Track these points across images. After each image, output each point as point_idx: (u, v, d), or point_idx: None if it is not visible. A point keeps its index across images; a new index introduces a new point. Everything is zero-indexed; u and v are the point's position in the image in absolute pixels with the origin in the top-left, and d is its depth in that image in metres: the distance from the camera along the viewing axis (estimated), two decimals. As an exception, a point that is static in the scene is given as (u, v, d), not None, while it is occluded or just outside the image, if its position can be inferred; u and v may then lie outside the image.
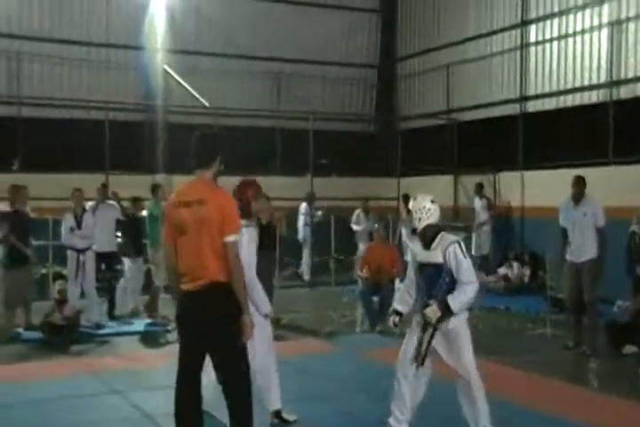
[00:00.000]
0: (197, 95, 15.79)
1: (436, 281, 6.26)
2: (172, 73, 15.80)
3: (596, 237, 10.07)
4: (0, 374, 8.95)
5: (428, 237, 6.39)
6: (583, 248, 10.15)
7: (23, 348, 10.44)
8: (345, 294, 14.03)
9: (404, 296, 6.73)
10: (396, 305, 6.82)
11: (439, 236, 6.35)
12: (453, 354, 6.38)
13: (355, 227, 16.71)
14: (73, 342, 10.54)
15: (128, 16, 18.03)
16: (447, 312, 6.16)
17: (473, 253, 15.88)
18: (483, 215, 16.48)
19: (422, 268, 6.45)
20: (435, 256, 6.29)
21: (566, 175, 10.77)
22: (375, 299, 11.47)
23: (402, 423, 6.41)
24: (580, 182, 10.07)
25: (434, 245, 6.33)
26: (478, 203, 16.67)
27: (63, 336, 10.61)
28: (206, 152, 5.82)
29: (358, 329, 11.56)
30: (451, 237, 6.40)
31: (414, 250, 6.58)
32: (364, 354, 9.94)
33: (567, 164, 14.07)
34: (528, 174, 16.31)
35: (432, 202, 6.55)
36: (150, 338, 11.04)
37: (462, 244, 6.36)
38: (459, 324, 6.38)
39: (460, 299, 6.16)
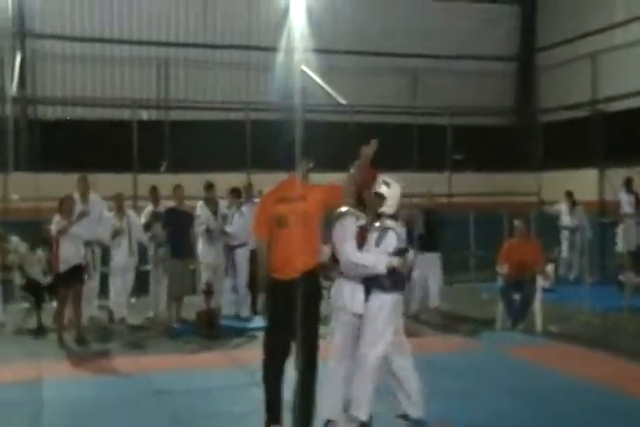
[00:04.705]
0: (334, 93, 16.15)
1: None
2: (310, 72, 16.24)
3: None
4: (159, 364, 9.46)
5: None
6: None
7: (179, 340, 10.91)
8: (484, 291, 13.98)
9: None
10: None
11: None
12: None
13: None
14: (223, 336, 11.04)
15: (268, 19, 18.68)
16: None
17: (620, 248, 15.81)
18: (628, 210, 15.94)
19: None
20: None
21: None
22: (516, 296, 11.47)
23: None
24: None
25: None
26: (625, 198, 16.12)
27: (214, 330, 11.22)
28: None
29: (499, 327, 11.59)
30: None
31: None
32: (507, 352, 10.01)
33: None
34: None
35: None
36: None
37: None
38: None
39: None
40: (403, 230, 6.72)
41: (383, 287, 6.45)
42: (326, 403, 6.46)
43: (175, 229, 11.56)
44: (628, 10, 18.28)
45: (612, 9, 18.88)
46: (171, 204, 11.99)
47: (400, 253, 6.53)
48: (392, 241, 6.52)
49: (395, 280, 6.52)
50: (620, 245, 15.76)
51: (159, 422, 7.10)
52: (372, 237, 6.50)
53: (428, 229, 12.15)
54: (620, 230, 15.96)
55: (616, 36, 18.75)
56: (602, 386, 8.15)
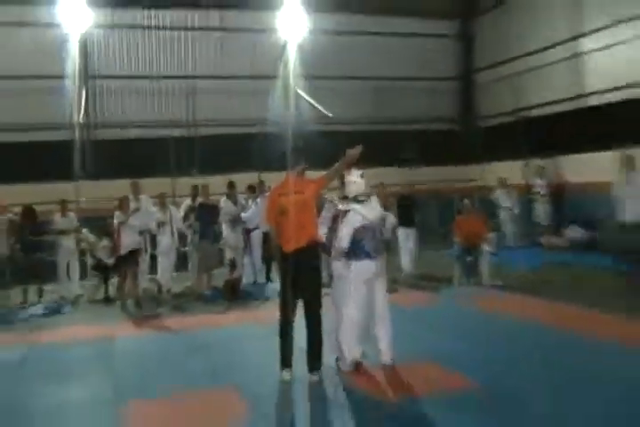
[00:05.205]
0: (323, 109, 16.15)
1: None
2: (303, 94, 16.23)
3: None
4: (197, 322, 9.49)
5: None
6: None
7: (210, 303, 10.92)
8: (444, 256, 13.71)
9: None
10: None
11: None
12: None
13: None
14: (244, 300, 11.07)
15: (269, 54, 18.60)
16: None
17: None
18: (542, 192, 16.35)
19: None
20: None
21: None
22: (468, 259, 11.51)
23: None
24: None
25: None
26: (539, 182, 16.51)
27: (237, 295, 11.26)
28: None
29: (456, 283, 11.55)
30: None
31: None
32: (463, 302, 9.99)
33: None
34: (588, 157, 15.59)
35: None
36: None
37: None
38: None
39: None
40: (367, 210, 6.61)
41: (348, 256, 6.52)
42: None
43: (204, 218, 11.62)
44: (548, 38, 18.15)
45: (536, 36, 18.67)
46: (200, 200, 12.05)
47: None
48: (352, 219, 6.51)
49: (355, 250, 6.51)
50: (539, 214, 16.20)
51: (202, 367, 7.13)
52: (341, 217, 6.61)
53: (405, 210, 12.18)
54: (536, 204, 16.32)
55: (538, 59, 18.53)
56: (540, 324, 8.21)
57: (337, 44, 19.02)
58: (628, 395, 5.51)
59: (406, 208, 12.36)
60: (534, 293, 10.33)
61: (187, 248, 12.79)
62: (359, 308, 6.48)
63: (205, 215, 11.64)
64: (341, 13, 19.30)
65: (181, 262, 12.64)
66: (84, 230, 12.39)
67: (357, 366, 6.51)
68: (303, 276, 6.34)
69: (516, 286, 11.03)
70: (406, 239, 12.45)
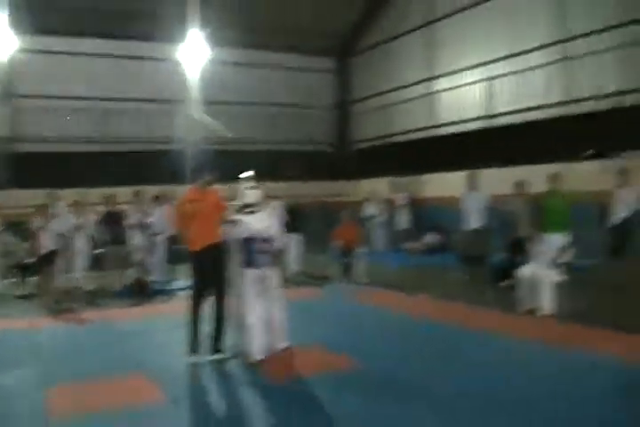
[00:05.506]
0: (223, 130, 16.09)
1: None
2: (204, 117, 16.14)
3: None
4: (110, 315, 9.30)
5: None
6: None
7: (122, 299, 10.72)
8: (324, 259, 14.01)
9: None
10: None
11: None
12: None
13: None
14: (152, 295, 10.93)
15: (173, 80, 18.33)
16: None
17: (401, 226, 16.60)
18: (402, 203, 16.84)
19: None
20: None
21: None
22: (346, 260, 11.76)
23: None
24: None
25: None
26: (400, 196, 16.98)
27: (146, 291, 11.09)
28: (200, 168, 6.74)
29: (336, 280, 11.68)
30: None
31: None
32: (342, 296, 10.23)
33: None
34: (440, 176, 16.51)
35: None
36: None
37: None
38: None
39: None
40: (256, 220, 6.34)
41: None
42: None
43: (112, 224, 11.48)
44: (413, 75, 18.88)
45: (401, 75, 19.44)
46: (108, 208, 11.88)
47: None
48: (241, 229, 6.30)
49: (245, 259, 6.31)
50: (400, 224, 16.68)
51: (118, 353, 7.03)
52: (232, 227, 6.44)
53: (293, 219, 12.36)
54: (398, 215, 16.77)
55: (404, 93, 19.26)
56: (408, 314, 8.57)
57: (235, 74, 19.07)
58: (477, 372, 5.87)
59: (293, 217, 12.55)
60: (398, 288, 10.78)
61: (99, 250, 12.44)
62: (255, 310, 6.29)
63: (113, 221, 11.51)
64: (240, 48, 19.35)
65: (95, 263, 12.30)
66: (4, 234, 11.88)
67: (260, 358, 6.34)
68: (208, 271, 6.44)
69: (384, 282, 11.40)
70: (293, 243, 12.64)
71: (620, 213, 9.30)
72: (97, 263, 12.23)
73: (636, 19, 12.44)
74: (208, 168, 6.73)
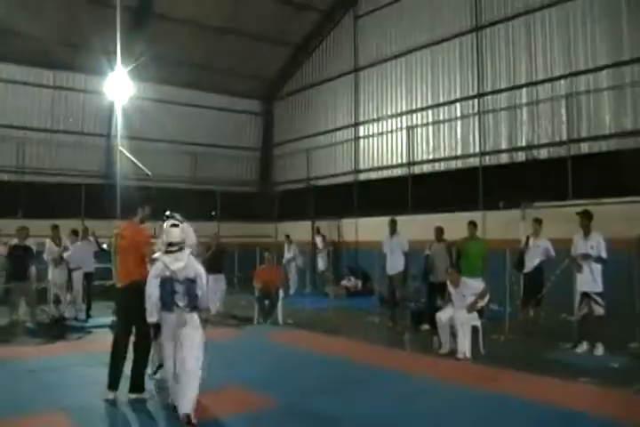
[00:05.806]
0: (144, 167, 16.02)
1: None
2: (126, 152, 16.04)
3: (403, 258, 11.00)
4: (24, 353, 8.89)
5: None
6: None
7: (35, 336, 10.19)
8: (245, 299, 13.83)
9: None
10: None
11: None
12: None
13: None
14: (67, 332, 10.50)
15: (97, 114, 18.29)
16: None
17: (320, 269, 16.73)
18: (320, 246, 17.22)
19: None
20: None
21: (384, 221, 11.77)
22: (266, 302, 11.72)
23: None
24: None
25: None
26: (318, 239, 17.45)
27: (62, 328, 10.69)
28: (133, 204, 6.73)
29: (255, 322, 11.65)
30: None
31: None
32: (262, 337, 10.19)
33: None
34: (361, 220, 17.20)
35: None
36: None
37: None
38: None
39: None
40: (172, 260, 5.84)
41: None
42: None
43: (17, 258, 10.84)
44: (336, 121, 19.39)
45: (323, 119, 19.93)
46: (14, 241, 11.10)
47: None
48: (156, 269, 5.87)
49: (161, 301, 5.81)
50: (321, 266, 16.85)
51: (31, 389, 6.77)
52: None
53: (215, 258, 12.21)
54: (319, 258, 17.01)
55: (322, 139, 19.80)
56: (326, 355, 8.65)
57: (159, 110, 19.04)
58: (383, 405, 6.05)
59: (216, 257, 12.43)
60: (317, 329, 10.87)
61: (7, 285, 11.86)
62: (169, 355, 5.85)
63: (19, 256, 10.84)
64: (167, 85, 19.45)
65: (5, 297, 11.71)
66: None
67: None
68: (132, 308, 6.22)
69: (304, 324, 11.47)
70: (215, 284, 12.44)
71: (533, 260, 9.78)
72: (6, 298, 11.74)
73: (545, 79, 13.44)
74: (142, 204, 6.67)
